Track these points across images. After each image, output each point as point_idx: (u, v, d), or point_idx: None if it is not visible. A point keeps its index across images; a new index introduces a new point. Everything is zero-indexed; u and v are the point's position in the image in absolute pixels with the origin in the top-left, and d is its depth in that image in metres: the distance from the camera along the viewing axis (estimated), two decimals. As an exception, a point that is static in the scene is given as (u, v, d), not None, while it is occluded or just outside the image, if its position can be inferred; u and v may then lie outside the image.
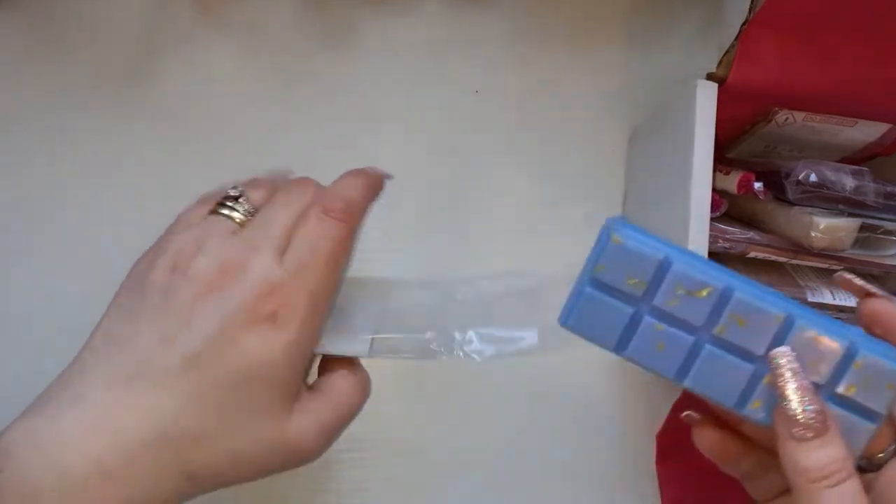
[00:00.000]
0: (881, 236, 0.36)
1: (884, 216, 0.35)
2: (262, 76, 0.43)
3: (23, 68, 0.41)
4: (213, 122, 0.42)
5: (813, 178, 0.34)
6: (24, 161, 0.41)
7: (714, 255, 0.35)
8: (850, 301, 0.35)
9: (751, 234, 0.36)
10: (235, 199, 0.32)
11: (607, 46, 0.44)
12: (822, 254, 0.36)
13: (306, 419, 0.29)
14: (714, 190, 0.33)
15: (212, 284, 0.28)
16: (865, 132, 0.37)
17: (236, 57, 0.42)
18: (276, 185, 0.33)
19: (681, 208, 0.34)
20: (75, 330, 0.41)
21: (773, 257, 0.36)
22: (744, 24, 0.33)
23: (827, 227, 0.34)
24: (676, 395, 0.36)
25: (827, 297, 0.35)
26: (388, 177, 0.34)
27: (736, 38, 0.33)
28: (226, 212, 0.32)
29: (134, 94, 0.42)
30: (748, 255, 0.36)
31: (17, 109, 0.41)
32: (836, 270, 0.37)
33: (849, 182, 0.34)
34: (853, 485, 0.23)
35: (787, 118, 0.36)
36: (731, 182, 0.36)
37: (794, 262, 0.37)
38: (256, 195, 0.32)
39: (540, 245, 0.43)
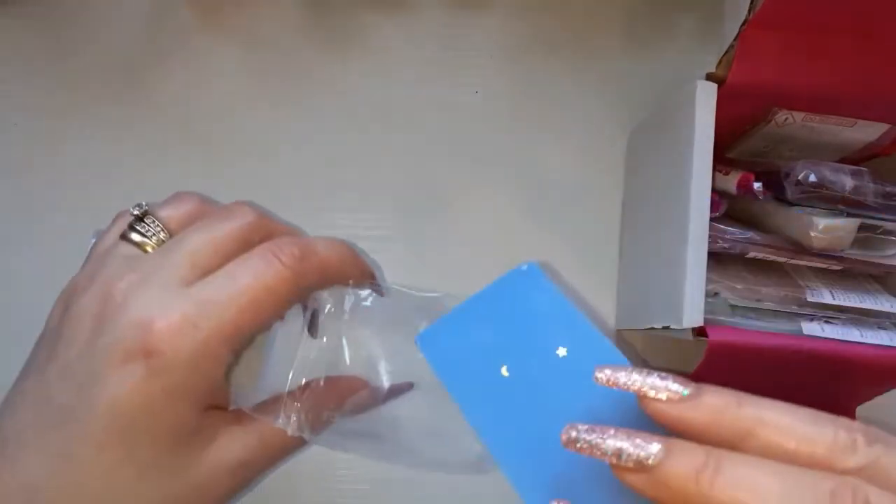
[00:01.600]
0: (880, 236, 0.36)
1: (883, 216, 0.35)
2: (262, 77, 0.43)
3: (23, 68, 0.41)
4: (213, 122, 0.42)
5: (812, 178, 0.34)
6: (24, 161, 0.41)
7: (714, 255, 0.35)
8: (850, 301, 0.35)
9: (750, 234, 0.36)
10: (140, 219, 0.28)
11: (607, 46, 0.44)
12: (821, 254, 0.36)
13: (220, 455, 0.25)
14: (714, 190, 0.33)
15: (91, 324, 0.25)
16: (865, 132, 0.37)
17: (236, 57, 0.42)
18: (205, 207, 0.29)
19: (680, 208, 0.34)
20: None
21: (773, 257, 0.36)
22: (743, 24, 0.33)
23: (826, 227, 0.34)
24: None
25: (826, 297, 0.35)
26: (373, 281, 0.29)
27: (735, 38, 0.33)
28: (135, 237, 0.28)
29: (134, 94, 0.42)
30: (747, 255, 0.36)
31: (18, 109, 0.41)
32: (836, 270, 0.37)
33: (848, 182, 0.34)
34: None
35: (786, 118, 0.36)
36: (731, 182, 0.36)
37: (794, 262, 0.37)
38: (171, 214, 0.28)
39: (539, 245, 0.43)
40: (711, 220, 0.33)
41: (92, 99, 0.42)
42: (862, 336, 0.34)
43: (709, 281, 0.34)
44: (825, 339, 0.34)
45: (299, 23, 0.43)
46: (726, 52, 0.34)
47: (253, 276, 0.25)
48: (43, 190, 0.41)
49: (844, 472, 0.18)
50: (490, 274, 0.42)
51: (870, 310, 0.36)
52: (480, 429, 0.25)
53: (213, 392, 0.26)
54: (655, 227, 0.38)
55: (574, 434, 0.20)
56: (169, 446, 0.24)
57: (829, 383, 0.37)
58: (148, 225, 0.28)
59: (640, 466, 0.19)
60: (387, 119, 0.43)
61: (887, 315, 0.36)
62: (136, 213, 0.28)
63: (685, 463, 0.19)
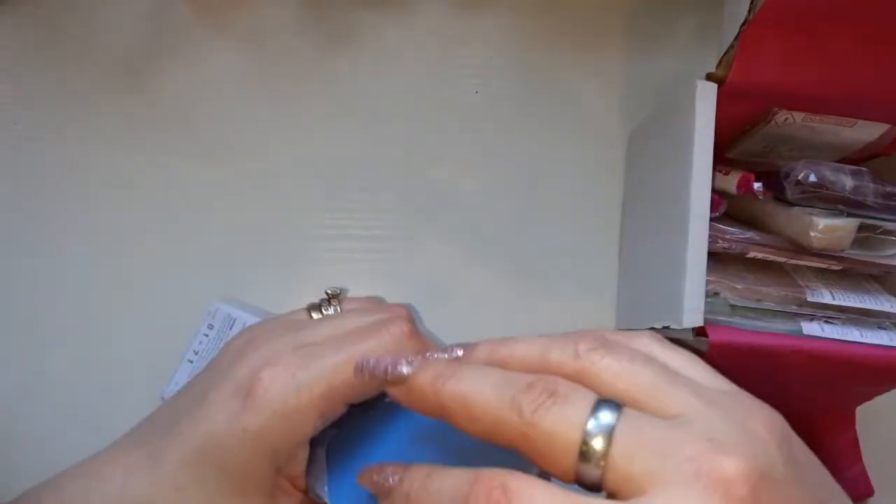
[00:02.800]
0: (880, 236, 0.36)
1: (883, 216, 0.35)
2: (263, 76, 0.43)
3: (23, 68, 0.41)
4: (213, 121, 0.42)
5: (812, 178, 0.34)
6: (24, 160, 0.41)
7: (714, 255, 0.35)
8: (850, 301, 0.35)
9: (750, 234, 0.36)
10: (328, 300, 0.31)
11: (607, 46, 0.44)
12: (821, 254, 0.36)
13: None
14: (714, 190, 0.33)
15: (231, 358, 0.27)
16: (865, 132, 0.37)
17: (237, 56, 0.42)
18: (378, 308, 0.31)
19: (680, 208, 0.34)
20: (75, 329, 0.41)
21: (773, 257, 0.36)
22: (743, 24, 0.33)
23: (826, 227, 0.34)
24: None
25: (826, 297, 0.35)
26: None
27: (735, 38, 0.33)
28: (314, 313, 0.31)
29: (134, 93, 0.42)
30: (747, 255, 0.36)
31: (18, 109, 0.41)
32: (835, 270, 0.37)
33: (848, 182, 0.34)
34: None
35: (786, 118, 0.36)
36: (731, 182, 0.36)
37: (794, 262, 0.37)
38: (349, 305, 0.31)
39: (539, 244, 0.43)
40: (711, 220, 0.33)
41: (92, 98, 0.42)
42: (862, 336, 0.34)
43: (709, 281, 0.34)
44: (825, 339, 0.34)
45: (299, 22, 0.43)
46: (726, 52, 0.34)
47: (358, 344, 0.27)
48: (43, 189, 0.41)
49: (565, 376, 0.21)
50: (489, 273, 0.43)
51: (870, 310, 0.36)
52: None
53: (291, 453, 0.26)
54: (655, 226, 0.38)
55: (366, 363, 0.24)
56: (233, 488, 0.26)
57: (829, 383, 0.37)
58: (330, 305, 0.31)
59: (399, 379, 0.23)
60: (387, 119, 0.43)
61: (887, 315, 0.36)
62: (330, 292, 0.32)
63: (428, 373, 0.22)
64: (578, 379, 0.21)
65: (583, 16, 0.44)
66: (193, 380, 0.29)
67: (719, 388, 0.21)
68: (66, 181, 0.41)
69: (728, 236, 0.35)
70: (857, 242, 0.36)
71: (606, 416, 0.19)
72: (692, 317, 0.32)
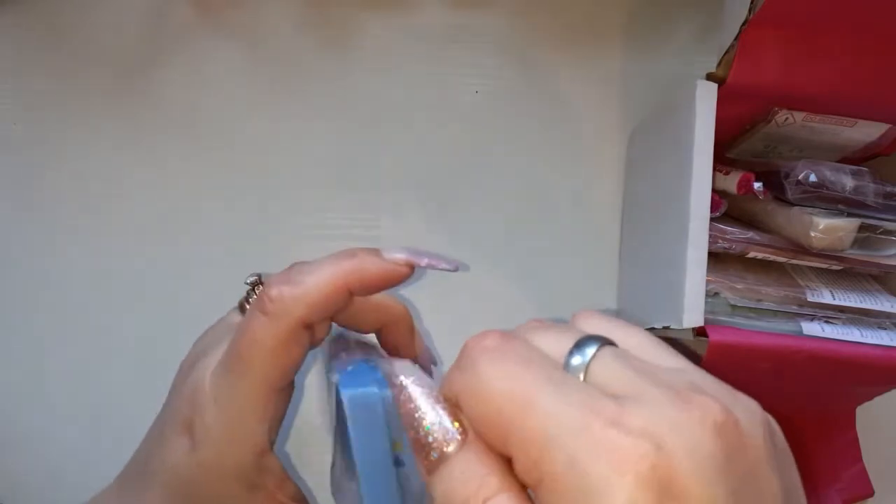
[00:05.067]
0: (881, 236, 0.36)
1: (883, 216, 0.35)
2: (263, 76, 0.43)
3: (23, 68, 0.41)
4: (213, 120, 0.42)
5: (812, 178, 0.34)
6: (24, 160, 0.41)
7: (714, 255, 0.35)
8: (850, 301, 0.35)
9: (750, 234, 0.36)
10: (252, 290, 0.29)
11: (607, 46, 0.44)
12: (821, 254, 0.36)
13: None
14: (714, 190, 0.33)
15: (177, 388, 0.27)
16: (865, 132, 0.37)
17: (237, 56, 0.42)
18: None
19: (681, 208, 0.34)
20: (75, 329, 0.41)
21: (773, 257, 0.36)
22: (743, 24, 0.33)
23: (826, 227, 0.34)
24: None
25: (826, 297, 0.35)
26: (419, 265, 0.28)
27: (736, 38, 0.33)
28: (245, 305, 0.29)
29: (134, 94, 0.42)
30: (748, 255, 0.36)
31: (18, 109, 0.41)
32: (836, 270, 0.37)
33: (848, 182, 0.34)
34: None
35: (786, 118, 0.36)
36: (731, 182, 0.36)
37: (794, 262, 0.37)
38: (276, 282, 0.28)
39: (539, 245, 0.43)
40: (711, 220, 0.33)
41: (92, 98, 0.42)
42: (862, 336, 0.34)
43: (709, 281, 0.34)
44: (825, 339, 0.34)
45: (300, 21, 0.43)
46: (726, 52, 0.34)
47: (243, 338, 0.25)
48: (42, 190, 0.41)
49: None
50: (490, 273, 0.43)
51: (870, 310, 0.36)
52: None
53: (257, 468, 0.26)
54: (655, 227, 0.38)
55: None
56: None
57: (829, 383, 0.37)
58: (255, 294, 0.29)
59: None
60: (387, 118, 0.43)
61: (887, 315, 0.36)
62: (248, 282, 0.29)
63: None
64: None
65: (583, 16, 0.44)
66: (160, 412, 0.28)
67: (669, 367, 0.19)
68: (66, 181, 0.41)
69: (728, 236, 0.35)
70: (858, 242, 0.36)
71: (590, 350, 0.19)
72: (692, 317, 0.32)
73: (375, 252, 0.26)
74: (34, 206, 0.41)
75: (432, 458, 0.19)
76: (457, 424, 0.19)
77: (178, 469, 0.25)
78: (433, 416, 0.19)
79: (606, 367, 0.18)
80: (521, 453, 0.17)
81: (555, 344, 0.19)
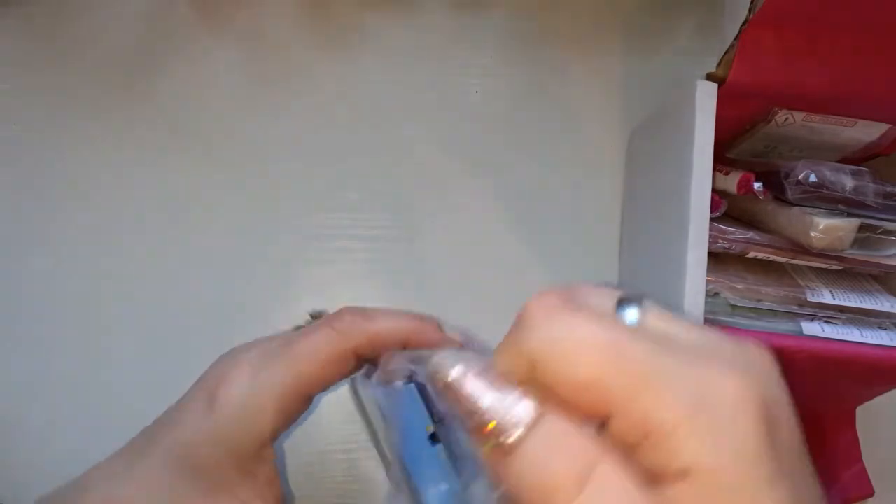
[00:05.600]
0: (881, 236, 0.36)
1: (883, 216, 0.35)
2: (263, 76, 0.43)
3: (23, 69, 0.41)
4: (213, 122, 0.42)
5: (812, 178, 0.34)
6: (23, 161, 0.41)
7: (714, 255, 0.35)
8: (850, 301, 0.35)
9: (750, 234, 0.36)
10: (313, 318, 0.32)
11: (607, 46, 0.44)
12: (821, 254, 0.36)
13: None
14: (714, 190, 0.33)
15: (208, 369, 0.29)
16: (865, 132, 0.37)
17: (237, 57, 0.42)
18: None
19: (681, 208, 0.34)
20: (74, 328, 0.41)
21: (773, 257, 0.36)
22: (743, 24, 0.33)
23: (826, 227, 0.34)
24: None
25: (827, 297, 0.35)
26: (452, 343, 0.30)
27: (736, 38, 0.33)
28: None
29: (134, 94, 0.42)
30: (748, 255, 0.36)
31: (18, 109, 0.41)
32: (836, 270, 0.37)
33: (848, 182, 0.34)
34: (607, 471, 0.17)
35: (786, 118, 0.36)
36: (731, 182, 0.36)
37: (794, 262, 0.37)
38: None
39: (539, 244, 0.43)
40: (711, 220, 0.33)
41: (91, 98, 0.42)
42: (862, 336, 0.34)
43: (709, 281, 0.34)
44: (825, 339, 0.34)
45: (299, 21, 0.43)
46: (726, 52, 0.34)
47: (305, 340, 0.28)
48: (43, 189, 0.41)
49: None
50: (490, 273, 0.43)
51: (870, 310, 0.36)
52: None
53: (255, 453, 0.27)
54: (655, 226, 0.38)
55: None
56: (205, 488, 0.27)
57: (829, 383, 0.37)
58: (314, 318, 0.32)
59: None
60: (387, 118, 0.43)
61: (887, 315, 0.36)
62: (311, 313, 0.32)
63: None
64: None
65: (583, 16, 0.44)
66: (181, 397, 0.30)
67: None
68: (66, 181, 0.41)
69: (728, 236, 0.35)
70: (858, 242, 0.36)
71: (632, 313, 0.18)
72: (692, 317, 0.32)
73: (437, 323, 0.30)
74: (34, 206, 0.41)
75: (501, 443, 0.17)
76: (526, 400, 0.17)
77: (186, 432, 0.27)
78: (492, 399, 0.17)
79: (660, 320, 0.18)
80: (625, 407, 0.16)
81: (599, 302, 0.18)
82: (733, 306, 0.35)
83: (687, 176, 0.33)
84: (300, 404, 0.28)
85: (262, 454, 0.28)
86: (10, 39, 0.41)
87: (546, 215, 0.43)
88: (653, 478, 0.16)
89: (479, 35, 0.44)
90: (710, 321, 0.33)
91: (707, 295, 0.33)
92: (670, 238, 0.35)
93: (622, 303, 0.18)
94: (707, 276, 0.33)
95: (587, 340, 0.16)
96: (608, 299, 0.18)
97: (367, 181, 0.43)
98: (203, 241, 0.42)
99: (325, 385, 0.28)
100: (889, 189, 0.35)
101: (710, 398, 0.16)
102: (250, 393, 0.27)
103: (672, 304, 0.34)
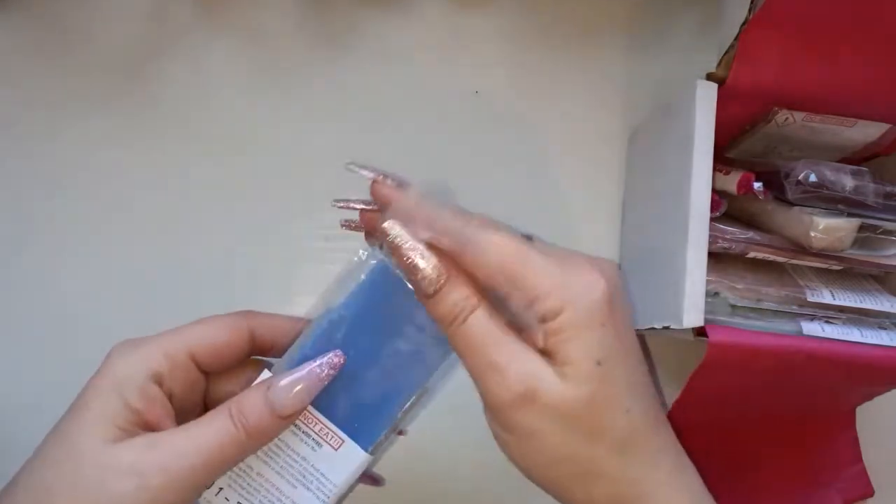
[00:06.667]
0: (881, 236, 0.36)
1: (883, 216, 0.35)
2: (263, 76, 0.43)
3: (23, 68, 0.41)
4: (212, 122, 0.42)
5: (812, 178, 0.34)
6: (23, 161, 0.41)
7: (714, 255, 0.35)
8: (850, 301, 0.35)
9: (750, 234, 0.36)
10: None
11: (607, 47, 0.44)
12: (821, 254, 0.36)
13: None
14: (714, 190, 0.33)
15: None
16: (865, 132, 0.37)
17: (237, 57, 0.42)
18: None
19: (681, 208, 0.34)
20: (75, 328, 0.41)
21: (773, 257, 0.36)
22: (743, 24, 0.33)
23: (826, 227, 0.34)
24: (676, 395, 0.36)
25: (826, 297, 0.35)
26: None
27: (735, 38, 0.33)
28: None
29: (134, 94, 0.42)
30: (748, 255, 0.36)
31: (17, 109, 0.41)
32: (836, 270, 0.37)
33: (848, 182, 0.34)
34: (480, 314, 0.26)
35: (786, 118, 0.36)
36: (731, 182, 0.36)
37: (794, 262, 0.37)
38: None
39: (540, 245, 0.43)
40: (711, 220, 0.33)
41: (92, 98, 0.42)
42: (862, 336, 0.34)
43: (709, 281, 0.34)
44: (825, 339, 0.34)
45: (299, 21, 0.43)
46: (726, 52, 0.34)
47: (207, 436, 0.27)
48: (43, 189, 0.41)
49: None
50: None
51: (870, 310, 0.36)
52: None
53: None
54: (655, 227, 0.38)
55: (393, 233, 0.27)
56: None
57: (829, 383, 0.37)
58: None
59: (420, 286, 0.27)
60: (387, 118, 0.43)
61: (887, 315, 0.36)
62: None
63: (445, 305, 0.27)
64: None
65: (583, 16, 0.44)
66: None
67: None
68: (66, 181, 0.41)
69: (728, 236, 0.35)
70: (858, 242, 0.36)
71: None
72: (692, 317, 0.32)
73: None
74: (34, 206, 0.41)
75: (429, 292, 0.27)
76: (440, 268, 0.27)
77: None
78: (423, 263, 0.27)
79: (545, 245, 0.28)
80: (520, 283, 0.26)
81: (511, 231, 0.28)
82: (733, 306, 0.35)
83: (687, 176, 0.33)
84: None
85: None
86: (11, 39, 0.41)
87: (546, 215, 0.43)
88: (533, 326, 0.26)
89: (479, 35, 0.44)
90: (710, 321, 0.33)
91: (707, 295, 0.33)
92: (670, 238, 0.35)
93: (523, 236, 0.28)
94: (707, 276, 0.33)
95: (502, 250, 0.27)
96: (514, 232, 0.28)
97: (366, 181, 0.43)
98: (202, 239, 0.42)
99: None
100: (889, 189, 0.35)
101: (575, 279, 0.26)
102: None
103: (672, 304, 0.34)
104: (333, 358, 0.28)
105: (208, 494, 0.29)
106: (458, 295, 0.26)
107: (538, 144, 0.44)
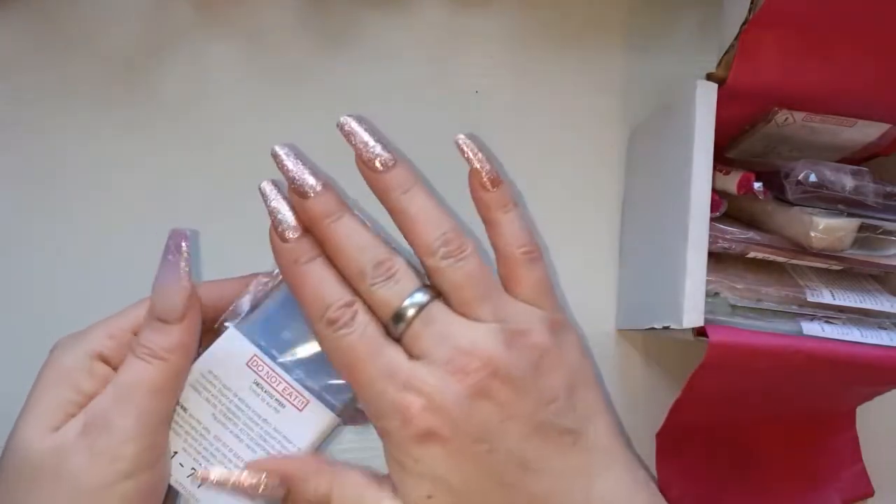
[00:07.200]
0: (881, 236, 0.36)
1: (883, 216, 0.35)
2: (263, 76, 0.43)
3: (22, 68, 0.41)
4: (212, 122, 0.42)
5: (812, 178, 0.34)
6: (23, 161, 0.41)
7: (714, 255, 0.35)
8: (850, 301, 0.35)
9: (750, 234, 0.36)
10: None
11: (607, 46, 0.44)
12: (821, 254, 0.36)
13: None
14: (714, 190, 0.33)
15: None
16: (865, 132, 0.37)
17: (236, 57, 0.42)
18: None
19: (681, 208, 0.34)
20: (75, 328, 0.41)
21: (773, 257, 0.36)
22: (743, 24, 0.33)
23: (826, 227, 0.34)
24: (676, 395, 0.36)
25: (826, 297, 0.35)
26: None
27: (736, 38, 0.33)
28: None
29: (134, 94, 0.42)
30: (748, 255, 0.36)
31: (17, 109, 0.41)
32: (836, 270, 0.37)
33: (848, 182, 0.34)
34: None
35: (786, 118, 0.36)
36: (731, 182, 0.36)
37: (794, 262, 0.37)
38: None
39: (539, 244, 0.43)
40: (711, 220, 0.33)
41: (92, 97, 0.42)
42: (862, 336, 0.34)
43: (709, 281, 0.34)
44: (825, 339, 0.34)
45: (299, 21, 0.43)
46: (726, 52, 0.34)
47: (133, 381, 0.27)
48: (43, 189, 0.41)
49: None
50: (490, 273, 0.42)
51: (870, 310, 0.36)
52: None
53: None
54: (655, 227, 0.38)
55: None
56: None
57: (829, 383, 0.37)
58: None
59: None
60: (386, 118, 0.43)
61: (887, 315, 0.36)
62: None
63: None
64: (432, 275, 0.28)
65: (583, 15, 0.44)
66: None
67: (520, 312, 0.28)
68: (66, 181, 0.41)
69: (728, 236, 0.35)
70: (858, 242, 0.36)
71: (420, 297, 0.27)
72: (692, 317, 0.32)
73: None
74: (33, 204, 0.41)
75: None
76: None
77: None
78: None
79: (421, 326, 0.27)
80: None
81: (394, 294, 0.27)
82: (733, 306, 0.35)
83: (687, 176, 0.33)
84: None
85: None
86: (10, 38, 0.41)
87: (546, 215, 0.43)
88: None
89: (479, 35, 0.44)
90: (710, 321, 0.33)
91: (707, 295, 0.33)
92: (670, 238, 0.35)
93: (411, 297, 0.28)
94: (707, 276, 0.33)
95: (346, 356, 0.27)
96: (405, 288, 0.28)
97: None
98: (203, 241, 0.42)
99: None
100: (889, 189, 0.35)
101: (388, 407, 0.26)
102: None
103: (672, 304, 0.34)
104: (176, 237, 0.30)
105: None
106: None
107: (538, 144, 0.44)
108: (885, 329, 0.35)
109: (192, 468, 0.28)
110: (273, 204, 0.29)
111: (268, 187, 0.30)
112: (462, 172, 0.44)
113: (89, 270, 0.41)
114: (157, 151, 0.42)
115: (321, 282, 0.28)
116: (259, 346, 0.29)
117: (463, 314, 0.27)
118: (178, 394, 0.28)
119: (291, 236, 0.29)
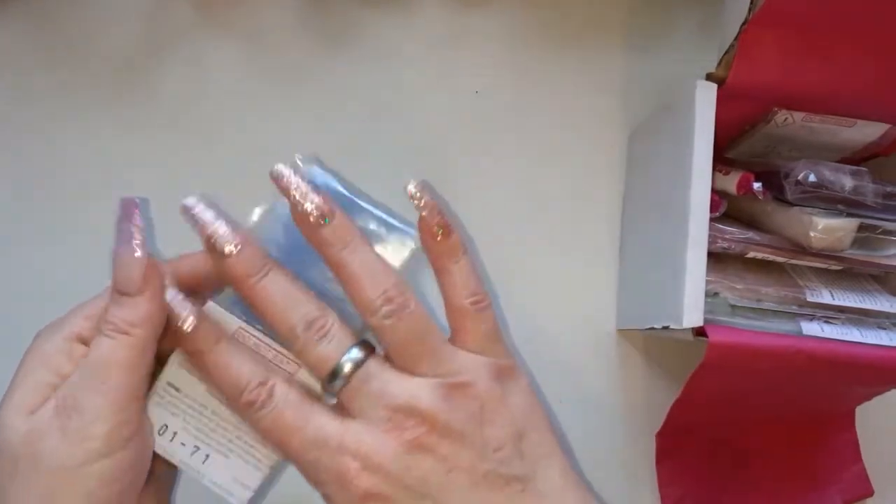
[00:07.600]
0: (880, 236, 0.36)
1: (883, 216, 0.35)
2: (263, 76, 0.43)
3: (22, 68, 0.41)
4: (212, 121, 0.42)
5: (812, 178, 0.34)
6: (23, 161, 0.41)
7: (714, 255, 0.35)
8: (850, 301, 0.35)
9: (750, 234, 0.36)
10: None
11: (607, 46, 0.44)
12: (821, 254, 0.36)
13: None
14: (713, 190, 0.34)
15: None
16: (864, 132, 0.37)
17: (237, 57, 0.42)
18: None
19: (680, 208, 0.34)
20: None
21: (772, 257, 0.36)
22: (743, 24, 0.33)
23: (826, 228, 0.34)
24: (676, 395, 0.36)
25: (826, 297, 0.35)
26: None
27: (735, 38, 0.33)
28: None
29: (134, 94, 0.42)
30: (747, 255, 0.36)
31: (17, 109, 0.41)
32: (835, 270, 0.37)
33: (848, 182, 0.34)
34: None
35: (786, 118, 0.36)
36: (731, 182, 0.36)
37: (793, 262, 0.37)
38: None
39: (539, 244, 0.43)
40: (711, 220, 0.33)
41: (91, 97, 0.42)
42: (862, 336, 0.34)
43: (708, 281, 0.34)
44: (825, 339, 0.34)
45: (299, 21, 0.43)
46: (726, 52, 0.34)
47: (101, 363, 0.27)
48: (42, 189, 0.41)
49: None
50: (489, 273, 0.43)
51: (870, 310, 0.36)
52: None
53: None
54: (655, 227, 0.38)
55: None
56: None
57: (828, 383, 0.37)
58: None
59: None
60: (386, 118, 0.43)
61: (887, 315, 0.36)
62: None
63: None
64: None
65: (583, 15, 0.44)
66: None
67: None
68: (66, 181, 0.41)
69: (728, 236, 0.35)
70: (857, 242, 0.36)
71: (356, 354, 0.27)
72: (692, 317, 0.32)
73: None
74: (33, 203, 0.41)
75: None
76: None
77: None
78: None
79: (359, 383, 0.26)
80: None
81: (330, 352, 0.27)
82: (733, 306, 0.35)
83: (687, 176, 0.33)
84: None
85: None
86: (10, 38, 0.41)
87: (545, 215, 0.43)
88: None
89: (479, 35, 0.44)
90: (709, 321, 0.33)
91: (707, 295, 0.33)
92: (670, 238, 0.35)
93: (348, 354, 0.27)
94: (707, 276, 0.33)
95: (283, 433, 0.27)
96: (341, 344, 0.27)
97: (365, 180, 0.43)
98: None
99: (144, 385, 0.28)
100: (889, 189, 0.35)
101: (327, 485, 0.26)
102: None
103: (672, 304, 0.34)
104: (127, 207, 0.30)
105: (163, 441, 0.28)
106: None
107: (538, 144, 0.44)
108: (885, 329, 0.35)
109: (195, 446, 0.28)
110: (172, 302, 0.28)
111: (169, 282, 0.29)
112: (462, 173, 0.44)
113: (89, 270, 0.41)
114: (157, 151, 0.42)
115: (228, 367, 0.27)
116: (241, 318, 0.29)
117: (404, 370, 0.27)
118: (149, 367, 0.28)
119: (188, 327, 0.27)
